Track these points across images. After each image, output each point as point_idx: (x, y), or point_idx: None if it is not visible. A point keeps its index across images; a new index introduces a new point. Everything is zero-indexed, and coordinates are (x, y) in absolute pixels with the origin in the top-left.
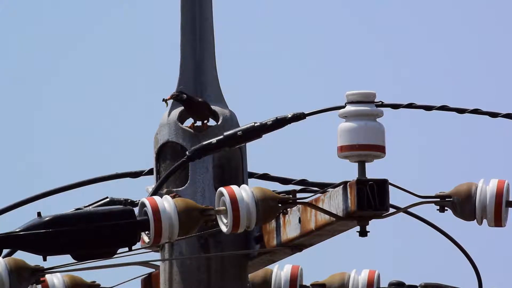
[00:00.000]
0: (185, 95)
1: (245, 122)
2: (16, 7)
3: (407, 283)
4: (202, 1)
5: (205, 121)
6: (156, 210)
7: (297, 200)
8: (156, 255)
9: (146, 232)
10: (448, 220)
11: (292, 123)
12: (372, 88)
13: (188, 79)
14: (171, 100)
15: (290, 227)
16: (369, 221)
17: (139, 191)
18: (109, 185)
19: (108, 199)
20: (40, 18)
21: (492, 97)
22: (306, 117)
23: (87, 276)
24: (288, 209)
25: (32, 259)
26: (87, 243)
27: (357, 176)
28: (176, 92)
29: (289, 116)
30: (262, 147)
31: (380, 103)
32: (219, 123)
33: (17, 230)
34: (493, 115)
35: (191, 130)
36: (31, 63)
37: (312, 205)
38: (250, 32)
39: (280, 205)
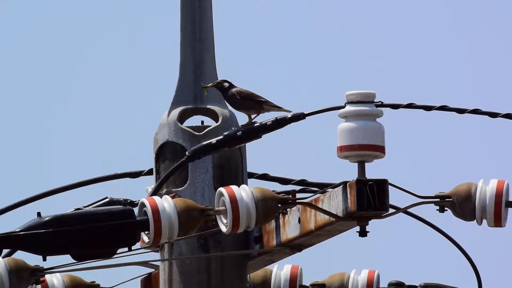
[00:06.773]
0: (227, 84)
1: (244, 122)
2: (13, 7)
3: (407, 283)
4: (202, 1)
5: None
6: (155, 210)
7: (297, 200)
8: (156, 255)
9: (146, 232)
10: (448, 220)
11: (291, 123)
12: (372, 88)
13: (188, 79)
14: (212, 89)
15: (290, 227)
16: (369, 221)
17: (139, 191)
18: (109, 185)
19: (107, 199)
20: (39, 18)
21: (492, 97)
22: (306, 117)
23: (87, 276)
24: (288, 209)
25: (32, 259)
26: (87, 243)
27: (357, 176)
28: (219, 80)
29: (289, 116)
30: (262, 147)
31: (380, 103)
32: (218, 123)
33: (17, 230)
34: (493, 115)
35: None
36: (30, 65)
37: (312, 205)
38: (250, 32)
39: (279, 205)
